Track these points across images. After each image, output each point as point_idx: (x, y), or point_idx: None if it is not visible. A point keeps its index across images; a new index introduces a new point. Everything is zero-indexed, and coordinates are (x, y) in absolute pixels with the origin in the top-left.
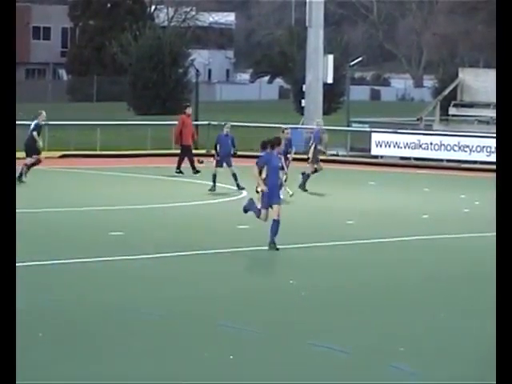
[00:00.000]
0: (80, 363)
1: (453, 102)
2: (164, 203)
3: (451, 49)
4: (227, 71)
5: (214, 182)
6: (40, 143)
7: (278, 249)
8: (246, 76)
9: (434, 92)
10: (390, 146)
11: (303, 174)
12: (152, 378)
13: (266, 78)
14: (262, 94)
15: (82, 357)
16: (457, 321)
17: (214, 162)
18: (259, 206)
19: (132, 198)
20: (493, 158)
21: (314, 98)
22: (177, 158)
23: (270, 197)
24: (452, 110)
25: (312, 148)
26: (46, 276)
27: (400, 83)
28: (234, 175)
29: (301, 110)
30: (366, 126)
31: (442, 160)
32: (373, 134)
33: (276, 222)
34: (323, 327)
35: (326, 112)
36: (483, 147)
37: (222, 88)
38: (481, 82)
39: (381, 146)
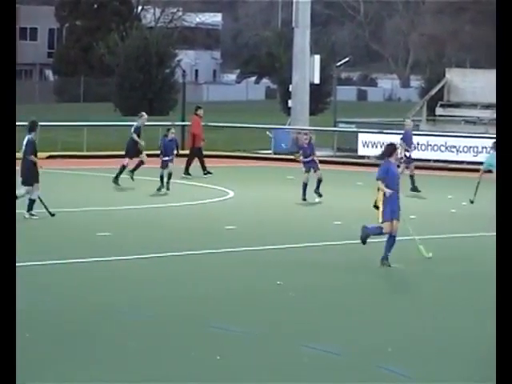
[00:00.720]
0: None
1: (440, 103)
2: (151, 204)
3: (438, 49)
4: (214, 72)
5: (162, 182)
6: (142, 144)
7: (390, 265)
8: (232, 76)
9: (421, 92)
10: (376, 147)
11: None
12: (144, 379)
13: (253, 79)
14: (249, 94)
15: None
16: (451, 321)
17: (160, 163)
18: (380, 219)
19: (119, 198)
20: (480, 158)
21: (300, 99)
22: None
23: (393, 210)
24: (439, 111)
25: (403, 150)
26: (34, 276)
27: (387, 83)
28: (170, 174)
29: (287, 111)
30: (353, 126)
31: (428, 160)
32: (359, 135)
33: (393, 238)
34: (313, 328)
35: (312, 112)
36: (470, 147)
37: (208, 88)
38: (468, 83)
39: (367, 146)
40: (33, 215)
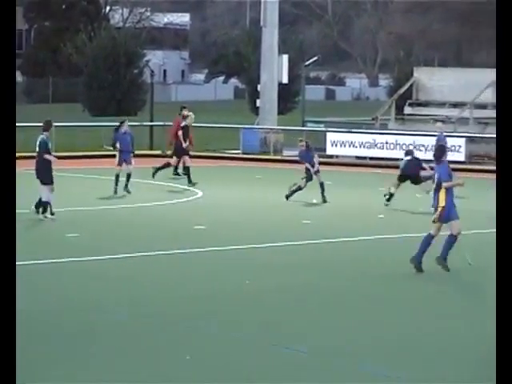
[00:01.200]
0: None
1: (408, 101)
2: (119, 204)
3: (406, 48)
4: (182, 72)
5: (117, 182)
6: (184, 144)
7: (448, 269)
8: (201, 76)
9: (390, 91)
10: (345, 146)
11: (429, 178)
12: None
13: (221, 78)
14: (218, 94)
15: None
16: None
17: (116, 161)
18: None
19: (88, 199)
20: (448, 157)
21: (268, 98)
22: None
23: (451, 212)
24: (407, 109)
25: None
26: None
27: (355, 83)
28: (129, 175)
29: (256, 110)
30: (321, 125)
31: (397, 159)
32: (328, 134)
33: (453, 238)
34: (286, 328)
35: (281, 112)
36: None
37: (177, 88)
38: (436, 81)
39: (336, 145)
40: (46, 217)
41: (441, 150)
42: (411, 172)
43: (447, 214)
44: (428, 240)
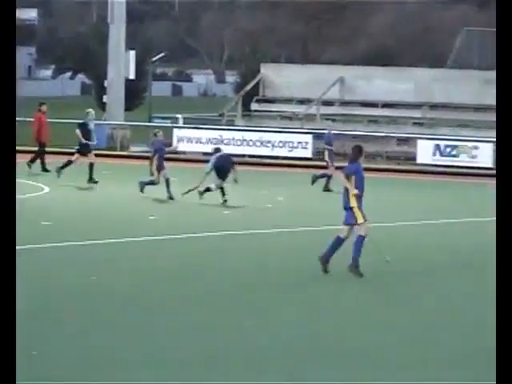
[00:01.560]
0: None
1: (255, 98)
2: None
3: (253, 45)
4: (29, 67)
5: None
6: (83, 141)
7: (362, 275)
8: (48, 72)
9: (237, 87)
10: (192, 142)
11: (324, 175)
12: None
13: (68, 74)
14: (65, 89)
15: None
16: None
17: None
18: (360, 220)
19: None
20: (295, 153)
21: (115, 94)
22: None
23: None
24: (254, 106)
25: (326, 152)
26: None
27: (202, 79)
28: None
29: (103, 106)
30: (168, 121)
31: (244, 155)
32: (174, 130)
33: (362, 238)
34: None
35: (128, 108)
36: (285, 142)
37: (23, 84)
38: (283, 78)
39: (183, 141)
40: None
41: (357, 151)
42: (225, 166)
43: (364, 212)
44: (339, 242)
